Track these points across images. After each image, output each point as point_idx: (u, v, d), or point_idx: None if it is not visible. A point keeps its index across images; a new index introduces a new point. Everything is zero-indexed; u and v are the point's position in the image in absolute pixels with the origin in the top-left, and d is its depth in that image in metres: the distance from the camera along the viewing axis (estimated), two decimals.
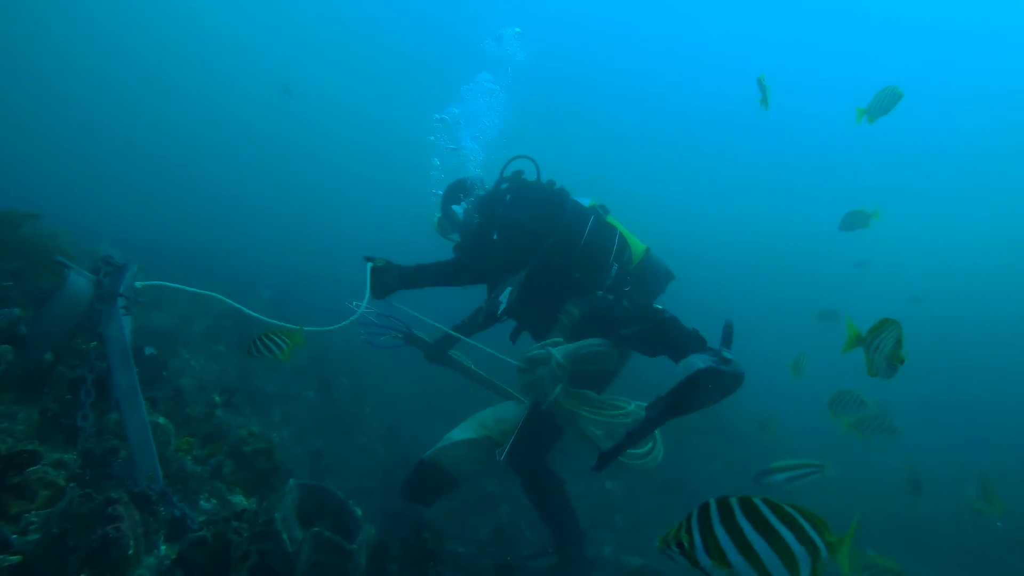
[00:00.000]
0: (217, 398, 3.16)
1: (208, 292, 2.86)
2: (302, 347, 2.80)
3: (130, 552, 1.93)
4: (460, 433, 3.22)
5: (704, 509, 1.21)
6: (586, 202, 3.59)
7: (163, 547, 2.23)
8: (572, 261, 3.36)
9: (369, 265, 3.59)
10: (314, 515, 2.47)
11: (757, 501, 1.19)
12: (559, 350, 3.01)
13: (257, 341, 2.78)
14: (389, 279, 3.61)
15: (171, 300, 6.43)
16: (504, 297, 3.76)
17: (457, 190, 3.71)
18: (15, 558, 1.83)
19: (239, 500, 2.75)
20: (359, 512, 2.48)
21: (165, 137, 26.94)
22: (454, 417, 3.43)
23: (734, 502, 1.19)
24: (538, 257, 3.35)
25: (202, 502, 2.58)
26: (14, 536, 1.95)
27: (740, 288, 19.85)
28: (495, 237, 3.50)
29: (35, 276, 3.71)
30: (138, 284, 2.70)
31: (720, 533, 1.17)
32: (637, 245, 3.61)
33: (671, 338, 2.94)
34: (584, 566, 3.39)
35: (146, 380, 2.82)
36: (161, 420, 2.70)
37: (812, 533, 1.16)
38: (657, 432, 2.99)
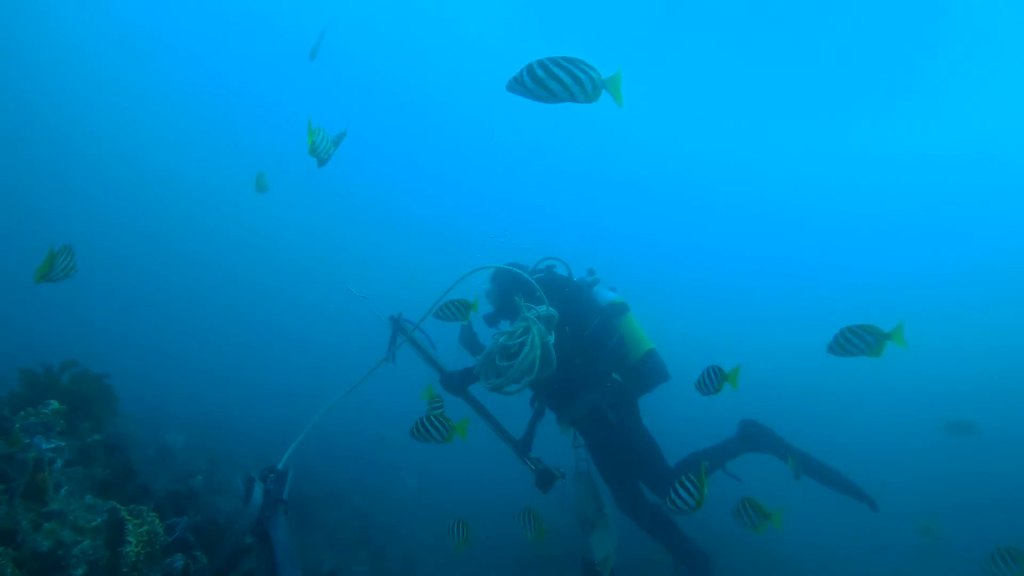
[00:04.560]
0: None
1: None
2: (463, 436, 2.91)
3: None
4: (605, 539, 3.55)
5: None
6: (611, 297, 3.86)
7: None
8: (576, 348, 3.61)
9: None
10: None
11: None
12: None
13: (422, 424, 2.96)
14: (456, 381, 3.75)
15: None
16: None
17: (504, 277, 3.91)
18: None
19: None
20: None
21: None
22: None
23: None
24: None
25: None
26: None
27: None
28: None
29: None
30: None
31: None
32: (643, 343, 3.82)
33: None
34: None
35: None
36: None
37: (589, 72, 1.77)
38: None
